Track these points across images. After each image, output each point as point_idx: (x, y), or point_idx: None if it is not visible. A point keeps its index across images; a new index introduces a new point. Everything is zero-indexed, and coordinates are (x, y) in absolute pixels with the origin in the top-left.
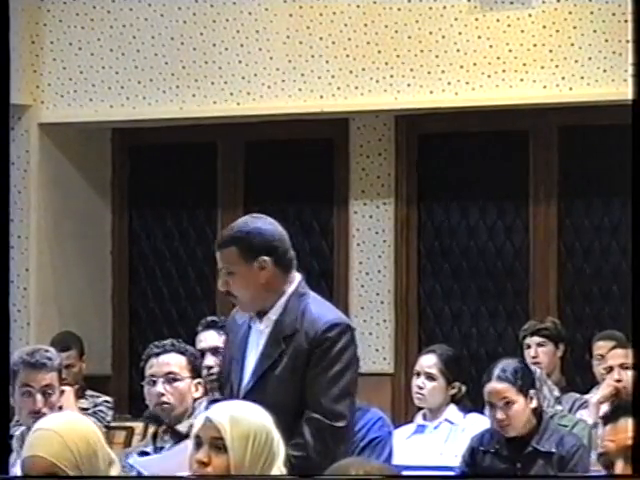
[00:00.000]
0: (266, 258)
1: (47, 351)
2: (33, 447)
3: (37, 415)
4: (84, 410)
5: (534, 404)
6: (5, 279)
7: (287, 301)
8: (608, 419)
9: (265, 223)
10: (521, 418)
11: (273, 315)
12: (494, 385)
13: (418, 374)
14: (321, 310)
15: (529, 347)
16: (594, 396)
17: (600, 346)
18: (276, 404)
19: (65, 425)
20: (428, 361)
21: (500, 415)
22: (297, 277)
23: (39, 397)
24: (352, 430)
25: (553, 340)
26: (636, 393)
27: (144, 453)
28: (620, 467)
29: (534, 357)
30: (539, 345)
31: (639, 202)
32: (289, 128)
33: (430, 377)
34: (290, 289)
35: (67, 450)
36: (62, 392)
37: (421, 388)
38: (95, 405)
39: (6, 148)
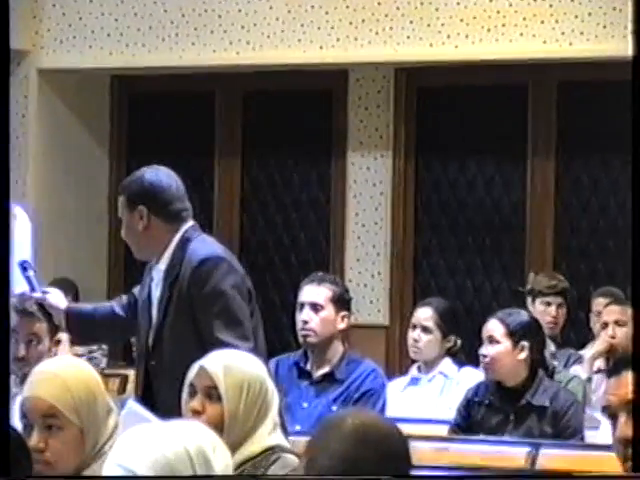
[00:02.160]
0: (142, 207)
1: None
2: (33, 387)
3: (22, 362)
4: (79, 356)
5: (523, 355)
6: (5, 263)
7: (173, 250)
8: (611, 372)
9: (152, 174)
10: (503, 362)
11: (162, 265)
12: (488, 322)
13: (414, 326)
14: (198, 249)
15: (549, 305)
16: (588, 351)
17: (599, 302)
18: (179, 350)
19: (66, 368)
20: (424, 313)
21: (483, 350)
22: (185, 226)
23: (22, 345)
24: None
25: (566, 300)
26: (636, 352)
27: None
28: (623, 420)
29: (555, 317)
30: (559, 306)
31: (639, 159)
32: (288, 79)
33: (426, 330)
34: (176, 238)
35: (67, 393)
36: (58, 342)
37: (417, 341)
38: (90, 352)
39: (6, 97)
